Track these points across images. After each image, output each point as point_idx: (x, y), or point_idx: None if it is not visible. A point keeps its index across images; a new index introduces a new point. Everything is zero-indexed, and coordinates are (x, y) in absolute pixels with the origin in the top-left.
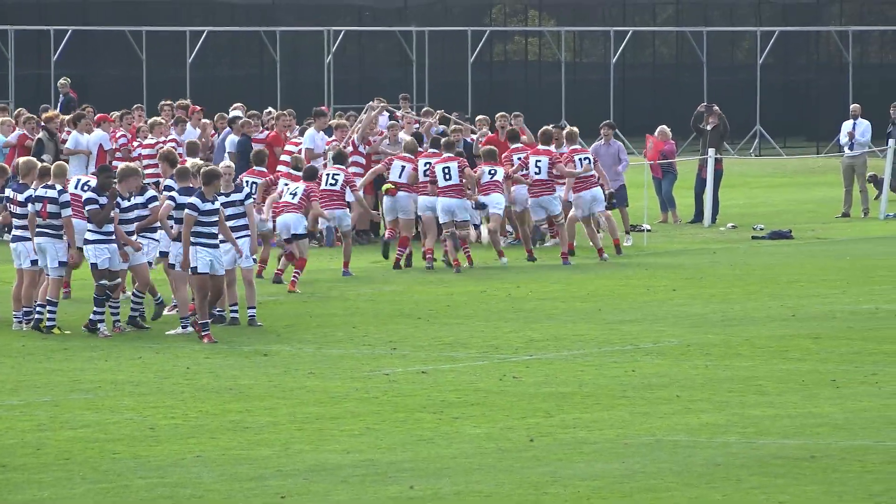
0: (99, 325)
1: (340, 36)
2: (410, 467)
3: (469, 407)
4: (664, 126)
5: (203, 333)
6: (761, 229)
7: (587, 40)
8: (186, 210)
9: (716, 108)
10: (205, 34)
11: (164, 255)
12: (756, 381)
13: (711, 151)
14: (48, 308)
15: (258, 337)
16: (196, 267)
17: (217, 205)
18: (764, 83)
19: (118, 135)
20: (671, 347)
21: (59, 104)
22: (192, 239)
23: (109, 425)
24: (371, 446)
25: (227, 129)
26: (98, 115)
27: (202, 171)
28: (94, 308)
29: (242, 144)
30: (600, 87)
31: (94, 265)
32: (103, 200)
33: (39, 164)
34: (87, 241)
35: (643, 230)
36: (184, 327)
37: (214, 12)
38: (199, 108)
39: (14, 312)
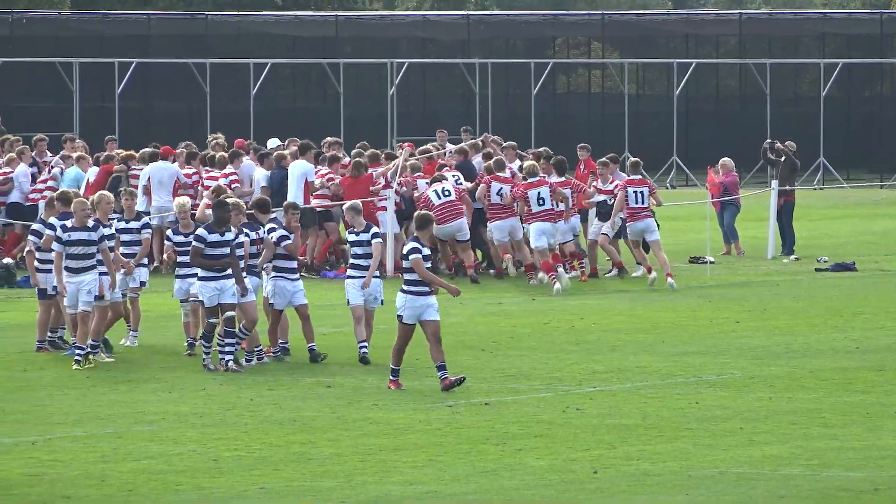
0: (204, 358)
1: (404, 68)
2: (474, 499)
3: (532, 439)
4: (727, 158)
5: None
6: (825, 261)
7: (651, 72)
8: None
9: (788, 144)
10: (268, 66)
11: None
12: (820, 414)
13: (775, 184)
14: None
15: (322, 368)
16: (273, 303)
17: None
18: (827, 115)
19: (191, 171)
20: (734, 379)
21: None
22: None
23: (173, 457)
24: (434, 478)
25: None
26: (163, 147)
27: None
28: (203, 343)
29: (275, 177)
30: (664, 119)
31: (201, 303)
32: (213, 238)
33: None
34: (199, 278)
35: (706, 262)
36: (248, 360)
37: (277, 44)
38: (245, 142)
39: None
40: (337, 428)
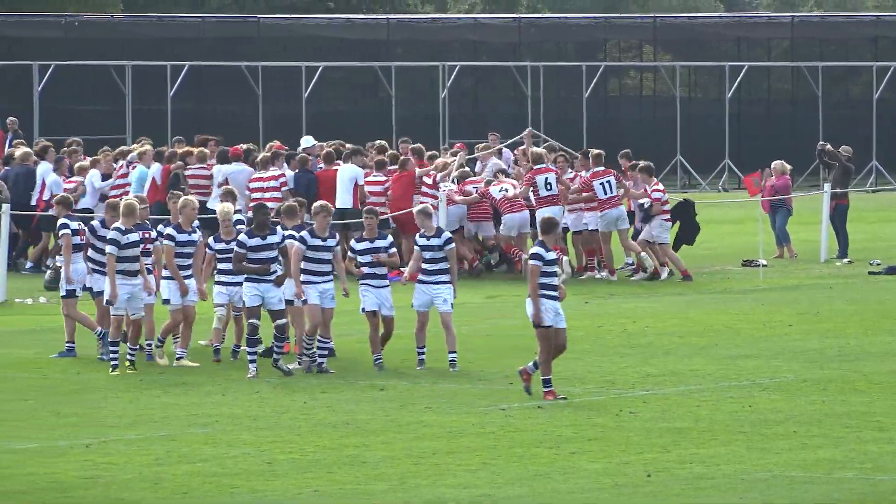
0: (250, 366)
1: (455, 71)
2: (527, 502)
3: (586, 442)
4: (779, 161)
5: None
6: (878, 264)
7: (702, 75)
8: (295, 244)
9: (843, 148)
10: (320, 69)
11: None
12: (873, 417)
13: (827, 187)
14: (111, 348)
15: (375, 372)
16: (305, 300)
17: (329, 242)
18: (880, 118)
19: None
20: (787, 383)
21: (8, 142)
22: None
23: (227, 460)
24: (488, 481)
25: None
26: (232, 148)
27: (313, 207)
28: (247, 348)
29: (300, 179)
30: (715, 123)
31: (243, 303)
32: (253, 242)
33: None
34: (245, 280)
35: (759, 265)
36: (299, 363)
37: (329, 47)
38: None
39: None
40: (390, 431)
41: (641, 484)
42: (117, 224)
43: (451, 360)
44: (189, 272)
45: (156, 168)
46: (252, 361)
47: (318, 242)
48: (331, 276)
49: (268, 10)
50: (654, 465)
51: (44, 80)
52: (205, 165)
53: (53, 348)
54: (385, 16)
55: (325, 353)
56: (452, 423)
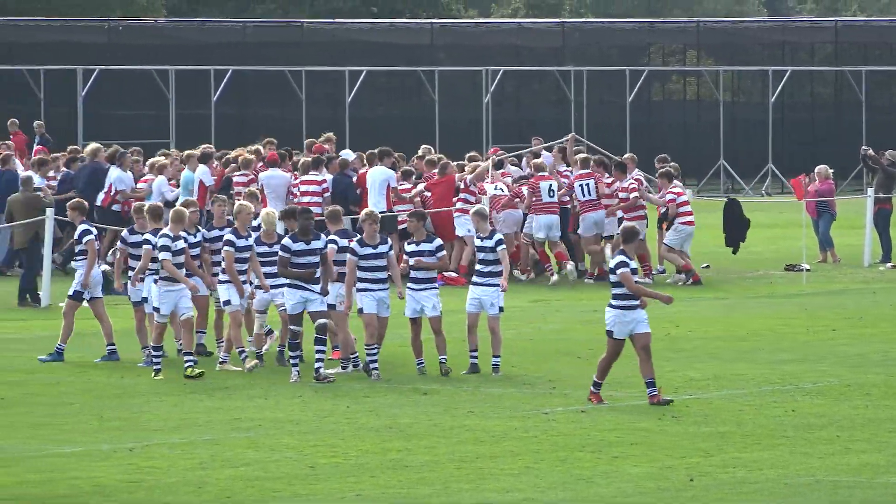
0: (292, 370)
1: (498, 75)
2: None
3: (628, 446)
4: (823, 166)
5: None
6: None
7: (746, 80)
8: (348, 254)
9: (889, 153)
10: (363, 74)
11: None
12: None
13: (871, 191)
14: (154, 353)
15: (417, 376)
16: (361, 308)
17: (381, 248)
18: None
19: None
20: (831, 387)
21: (35, 146)
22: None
23: (270, 464)
24: (531, 485)
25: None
26: (269, 153)
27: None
28: (289, 352)
29: (338, 183)
30: (758, 127)
31: (284, 309)
32: (297, 246)
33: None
34: (287, 285)
35: (802, 270)
36: (343, 367)
37: (372, 52)
38: (326, 147)
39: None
40: (433, 435)
41: (684, 488)
42: (165, 230)
43: (493, 364)
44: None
45: (202, 171)
46: (294, 366)
47: (369, 251)
48: (386, 284)
49: (311, 14)
50: (696, 470)
51: (88, 85)
52: (248, 171)
53: (97, 352)
54: (429, 20)
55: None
56: (495, 427)
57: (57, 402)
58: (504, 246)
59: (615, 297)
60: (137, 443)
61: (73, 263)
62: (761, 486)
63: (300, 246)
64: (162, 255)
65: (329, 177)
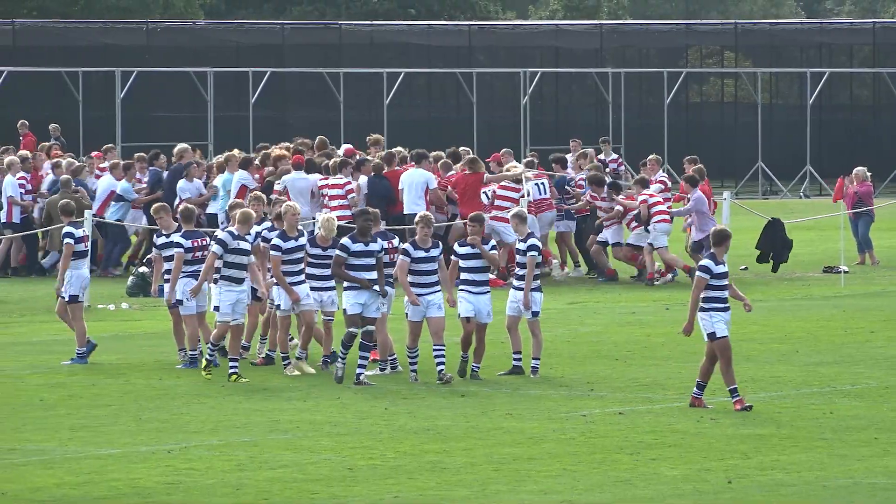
0: (336, 363)
1: (537, 77)
2: None
3: (666, 448)
4: (861, 168)
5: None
6: None
7: (783, 81)
8: (400, 255)
9: None
10: (401, 76)
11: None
12: None
13: None
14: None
15: (457, 377)
16: (407, 313)
17: (433, 252)
18: None
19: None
20: (869, 389)
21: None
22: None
23: (308, 465)
24: (568, 487)
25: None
26: (295, 156)
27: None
28: (341, 350)
29: (375, 186)
30: (797, 129)
31: (344, 311)
32: (356, 247)
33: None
34: (345, 288)
35: (840, 272)
36: (381, 369)
37: (411, 54)
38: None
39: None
40: (471, 437)
41: (722, 490)
42: (230, 228)
43: (533, 367)
44: (299, 278)
45: (242, 175)
46: (342, 359)
47: (422, 254)
48: (437, 287)
49: (349, 16)
50: (734, 472)
51: (126, 87)
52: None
53: (136, 354)
54: (467, 22)
55: (443, 359)
56: (533, 430)
57: (96, 404)
58: (535, 253)
59: (705, 300)
60: (176, 445)
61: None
62: (799, 488)
63: (359, 247)
64: (214, 250)
65: (362, 179)
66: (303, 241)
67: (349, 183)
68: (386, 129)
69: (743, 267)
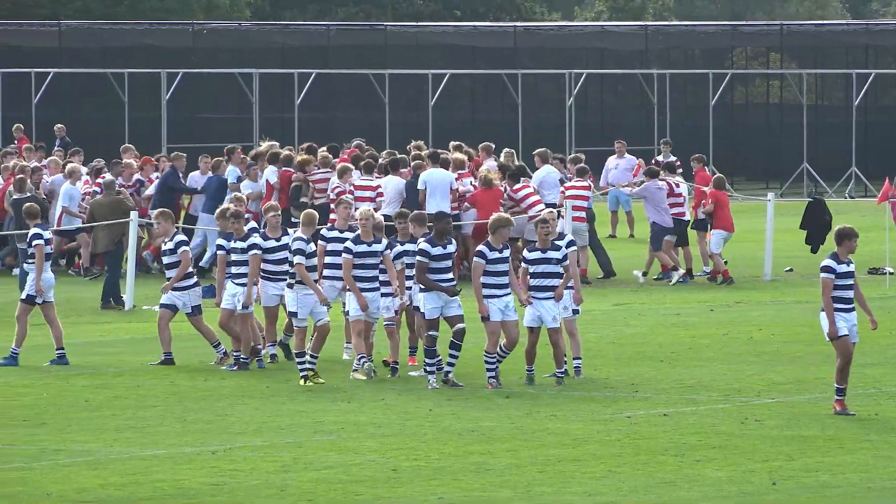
0: (429, 378)
1: (582, 78)
2: None
3: (711, 450)
4: None
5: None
6: None
7: (829, 83)
8: (475, 258)
9: None
10: (447, 77)
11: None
12: None
13: None
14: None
15: (525, 383)
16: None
17: (505, 253)
18: None
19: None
20: None
21: (56, 149)
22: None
23: (352, 467)
24: (613, 489)
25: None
26: (339, 158)
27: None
28: (426, 359)
29: (413, 187)
30: (842, 130)
31: (422, 314)
32: (436, 251)
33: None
34: (421, 290)
35: (885, 273)
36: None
37: (456, 55)
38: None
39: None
40: (515, 438)
41: (766, 492)
42: (299, 233)
43: (576, 367)
44: (372, 284)
45: (270, 171)
46: (431, 373)
47: (497, 255)
48: (509, 290)
49: (395, 18)
50: (779, 474)
51: (172, 88)
52: (329, 169)
53: (180, 355)
54: (512, 23)
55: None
56: (577, 431)
57: (141, 404)
58: (574, 248)
59: (835, 299)
60: (220, 446)
61: (25, 266)
62: (844, 490)
63: (438, 251)
64: (297, 259)
65: (401, 180)
66: (377, 247)
67: (378, 186)
68: (431, 130)
69: (788, 269)
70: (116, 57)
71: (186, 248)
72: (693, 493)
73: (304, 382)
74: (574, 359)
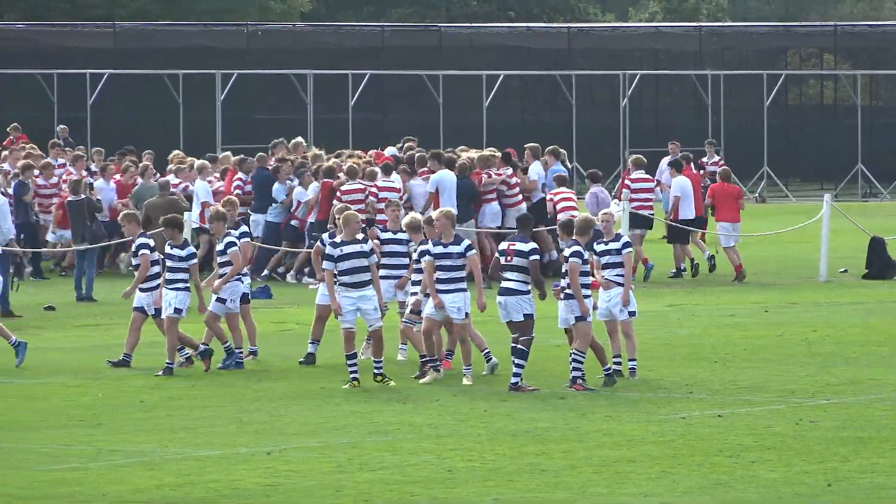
0: (518, 382)
1: (636, 80)
2: None
3: (765, 451)
4: None
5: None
6: None
7: (883, 83)
8: (572, 259)
9: None
10: (500, 78)
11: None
12: None
13: None
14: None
15: (554, 380)
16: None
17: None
18: None
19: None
20: None
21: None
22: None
23: (408, 467)
24: (668, 489)
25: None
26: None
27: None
28: (515, 361)
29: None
30: None
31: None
32: (437, 250)
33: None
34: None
35: None
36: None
37: (510, 57)
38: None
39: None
40: (570, 439)
41: (821, 493)
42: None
43: (630, 368)
44: (451, 286)
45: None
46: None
47: (587, 255)
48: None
49: (449, 19)
50: (834, 475)
51: (226, 89)
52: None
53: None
54: (566, 24)
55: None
56: (632, 432)
57: (195, 405)
58: (630, 250)
59: None
60: (275, 446)
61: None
62: None
63: (439, 249)
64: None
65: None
66: (454, 248)
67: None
68: (485, 131)
69: (842, 269)
70: (171, 58)
71: (236, 248)
72: (748, 495)
73: (351, 385)
74: (629, 360)
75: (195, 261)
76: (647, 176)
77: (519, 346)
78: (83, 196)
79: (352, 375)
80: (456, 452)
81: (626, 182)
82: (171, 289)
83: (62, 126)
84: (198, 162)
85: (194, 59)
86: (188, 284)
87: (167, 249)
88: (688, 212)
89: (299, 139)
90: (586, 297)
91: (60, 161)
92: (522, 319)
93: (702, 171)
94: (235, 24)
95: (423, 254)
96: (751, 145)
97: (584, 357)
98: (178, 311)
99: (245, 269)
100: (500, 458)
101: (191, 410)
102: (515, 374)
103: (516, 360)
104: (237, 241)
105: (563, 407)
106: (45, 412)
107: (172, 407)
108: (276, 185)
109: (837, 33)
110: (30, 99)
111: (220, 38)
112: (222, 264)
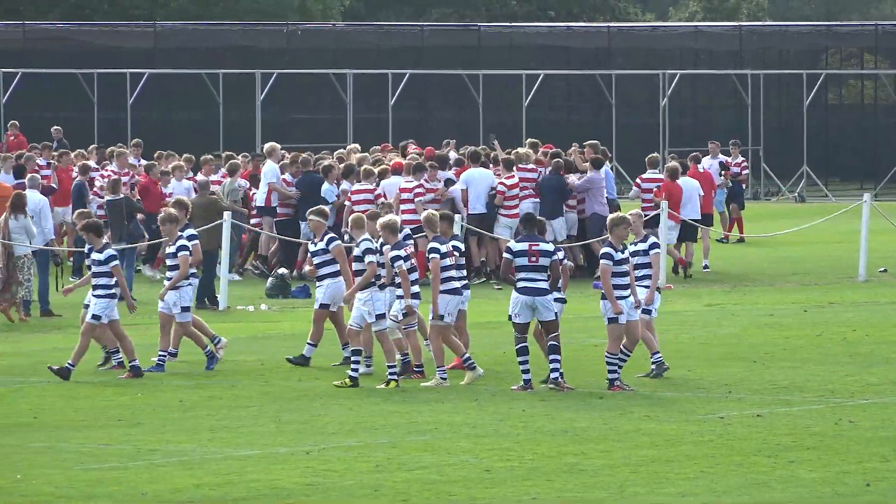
0: (559, 378)
1: (675, 79)
2: None
3: (804, 451)
4: None
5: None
6: None
7: None
8: (603, 261)
9: None
10: (540, 77)
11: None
12: None
13: None
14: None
15: (592, 380)
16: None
17: (626, 254)
18: None
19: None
20: None
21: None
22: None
23: (446, 467)
24: (706, 489)
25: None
26: (394, 162)
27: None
28: (553, 357)
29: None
30: None
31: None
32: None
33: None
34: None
35: None
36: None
37: (550, 56)
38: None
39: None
40: (609, 439)
41: (860, 493)
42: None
43: (656, 362)
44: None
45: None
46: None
47: (620, 255)
48: (629, 290)
49: (488, 18)
50: (873, 475)
51: (266, 89)
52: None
53: (275, 355)
54: (606, 24)
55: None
56: (671, 432)
57: (235, 405)
58: (658, 250)
59: None
60: (314, 446)
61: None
62: None
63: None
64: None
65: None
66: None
67: (419, 186)
68: (524, 130)
69: (882, 269)
70: (211, 58)
71: (187, 252)
72: (787, 495)
73: (387, 385)
74: (651, 354)
75: (116, 262)
76: (660, 176)
77: (556, 343)
78: (121, 195)
79: (353, 373)
80: (494, 452)
81: (637, 181)
82: (93, 294)
83: (56, 127)
84: (267, 145)
85: (234, 58)
86: (112, 291)
87: (93, 255)
88: (692, 212)
89: (355, 146)
90: (619, 298)
91: (41, 161)
92: (554, 318)
93: (724, 173)
94: (275, 23)
95: (431, 251)
96: (790, 145)
97: (615, 357)
98: (95, 317)
99: (194, 270)
100: (538, 458)
101: (230, 410)
102: (555, 370)
103: (553, 357)
104: (189, 245)
105: (602, 407)
106: (85, 412)
107: (212, 407)
108: (325, 186)
109: (878, 33)
110: (70, 98)
111: (260, 37)
112: (171, 267)
